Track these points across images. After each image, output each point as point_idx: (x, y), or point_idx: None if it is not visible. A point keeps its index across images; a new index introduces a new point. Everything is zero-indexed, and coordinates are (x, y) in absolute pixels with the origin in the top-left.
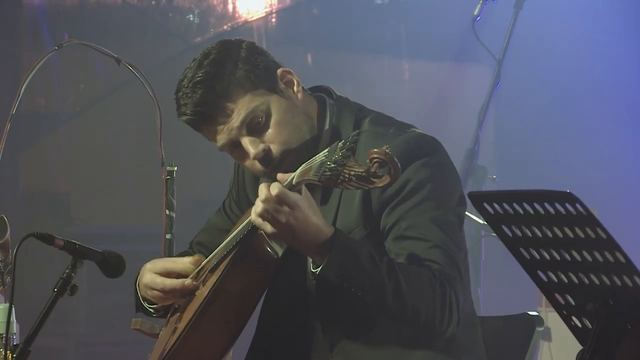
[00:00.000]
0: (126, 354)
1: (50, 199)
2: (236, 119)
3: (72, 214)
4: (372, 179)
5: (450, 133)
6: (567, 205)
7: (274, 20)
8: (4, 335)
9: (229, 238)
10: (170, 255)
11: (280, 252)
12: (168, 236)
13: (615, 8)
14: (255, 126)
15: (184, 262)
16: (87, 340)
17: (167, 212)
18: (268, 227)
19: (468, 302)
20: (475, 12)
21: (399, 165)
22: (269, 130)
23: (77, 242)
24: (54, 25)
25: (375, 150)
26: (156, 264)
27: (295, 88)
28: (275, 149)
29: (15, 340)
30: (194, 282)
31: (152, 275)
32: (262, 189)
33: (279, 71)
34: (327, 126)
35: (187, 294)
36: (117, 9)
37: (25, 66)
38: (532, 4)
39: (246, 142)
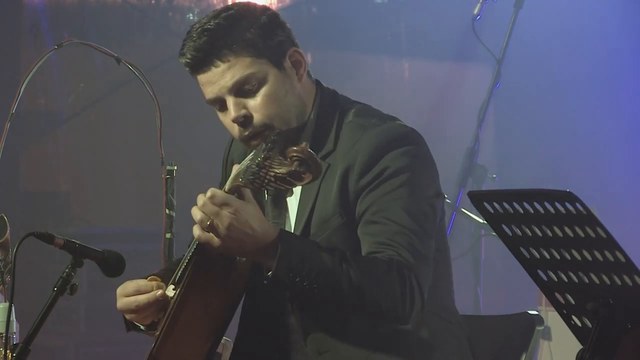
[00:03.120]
0: (126, 353)
1: (51, 198)
2: (229, 78)
3: (73, 213)
4: (292, 180)
5: (450, 132)
6: (567, 204)
7: None
8: (4, 334)
9: (189, 246)
10: (170, 254)
11: None
12: (168, 235)
13: (614, 7)
14: (244, 91)
15: (151, 283)
16: (87, 339)
17: (167, 211)
18: (214, 239)
19: (447, 298)
20: (475, 11)
21: (319, 161)
22: (257, 99)
23: (77, 242)
24: (54, 24)
25: (294, 148)
26: (126, 287)
27: (300, 71)
28: (256, 118)
29: (15, 340)
30: (164, 295)
31: (124, 299)
32: (199, 197)
33: (291, 49)
34: (312, 116)
35: (163, 306)
36: (117, 8)
37: (25, 65)
38: (532, 3)
39: (230, 102)
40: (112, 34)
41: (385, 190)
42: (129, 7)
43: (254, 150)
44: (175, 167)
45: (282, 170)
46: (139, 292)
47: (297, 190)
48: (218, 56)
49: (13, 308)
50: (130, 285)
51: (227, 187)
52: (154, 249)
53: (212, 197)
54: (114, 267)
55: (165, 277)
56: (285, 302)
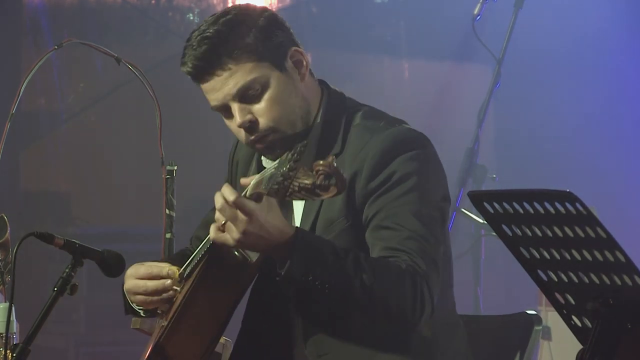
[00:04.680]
0: (126, 353)
1: (50, 198)
2: (232, 86)
3: (72, 213)
4: (318, 191)
5: (450, 132)
6: (567, 204)
7: None
8: (4, 334)
9: (202, 243)
10: (170, 254)
11: (254, 256)
12: (168, 235)
13: (614, 7)
14: (249, 96)
15: (163, 265)
16: (87, 339)
17: (167, 211)
18: (229, 240)
19: (449, 301)
20: (475, 11)
21: (344, 176)
22: (261, 104)
23: (77, 242)
24: (54, 24)
25: (321, 162)
26: (138, 269)
27: (302, 70)
28: (262, 122)
29: (15, 340)
30: (174, 284)
31: (134, 280)
32: (217, 198)
33: (291, 49)
34: (319, 119)
35: (170, 296)
36: (117, 8)
37: (25, 66)
38: (532, 3)
39: (235, 108)
40: (112, 34)
41: (393, 196)
42: (129, 7)
43: (278, 159)
44: (175, 167)
45: (307, 181)
46: (150, 277)
47: None
48: (219, 64)
49: (13, 308)
50: (142, 269)
51: (248, 192)
52: (154, 249)
53: (232, 202)
54: (114, 267)
55: (177, 263)
56: (287, 304)
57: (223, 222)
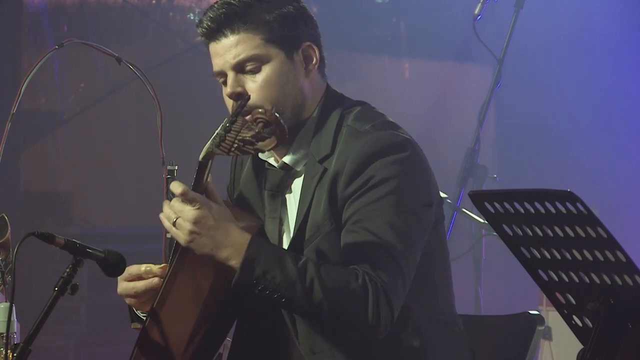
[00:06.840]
0: (126, 353)
1: (51, 198)
2: (234, 55)
3: (73, 213)
4: (258, 142)
5: (450, 132)
6: (568, 204)
7: None
8: (5, 334)
9: None
10: (170, 254)
11: None
12: (168, 235)
13: (614, 7)
14: (246, 70)
15: (140, 265)
16: (87, 339)
17: None
18: (180, 236)
19: (443, 302)
20: (476, 11)
21: (283, 124)
22: (256, 81)
23: (78, 241)
24: (55, 24)
25: (259, 110)
26: (128, 271)
27: (309, 66)
28: (250, 99)
29: (16, 340)
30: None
31: (124, 283)
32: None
33: (305, 43)
34: (314, 114)
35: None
36: (118, 8)
37: (26, 66)
38: (532, 4)
39: (230, 77)
40: (112, 34)
41: (369, 200)
42: (129, 7)
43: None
44: (176, 167)
45: (248, 134)
46: (140, 278)
47: (297, 190)
48: (230, 26)
49: (14, 308)
50: (132, 270)
51: (201, 156)
52: (154, 249)
53: (180, 193)
54: (115, 267)
55: None
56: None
57: (173, 219)
